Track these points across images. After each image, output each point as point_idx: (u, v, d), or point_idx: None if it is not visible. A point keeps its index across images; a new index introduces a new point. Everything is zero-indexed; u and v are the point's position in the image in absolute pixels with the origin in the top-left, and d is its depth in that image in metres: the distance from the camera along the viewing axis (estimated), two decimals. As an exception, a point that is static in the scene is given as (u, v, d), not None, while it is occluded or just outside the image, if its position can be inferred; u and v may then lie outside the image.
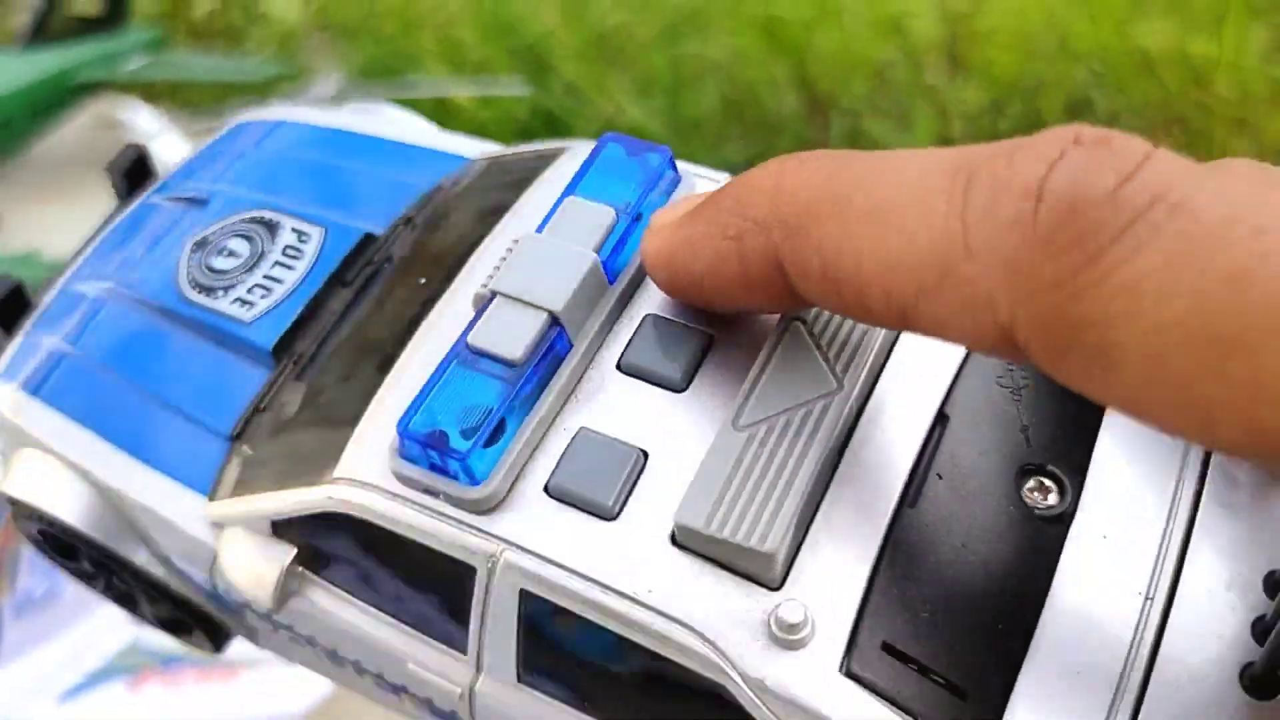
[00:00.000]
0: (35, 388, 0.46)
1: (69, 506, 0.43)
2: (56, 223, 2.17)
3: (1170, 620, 0.34)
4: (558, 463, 0.38)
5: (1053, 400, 0.39)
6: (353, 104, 1.82)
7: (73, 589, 1.16)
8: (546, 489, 0.37)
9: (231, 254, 0.48)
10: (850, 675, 0.32)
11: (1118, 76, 2.37)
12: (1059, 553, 0.36)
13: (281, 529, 0.40)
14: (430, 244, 0.47)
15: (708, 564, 0.34)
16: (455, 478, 0.35)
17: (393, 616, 0.40)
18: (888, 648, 0.33)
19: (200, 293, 0.48)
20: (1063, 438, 0.39)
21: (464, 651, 0.39)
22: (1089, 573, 0.36)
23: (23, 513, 0.46)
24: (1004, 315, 0.30)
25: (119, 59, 2.11)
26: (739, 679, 0.32)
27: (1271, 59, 2.37)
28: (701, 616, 0.33)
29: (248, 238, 0.49)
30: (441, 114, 2.27)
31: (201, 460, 0.43)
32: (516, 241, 0.41)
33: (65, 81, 2.05)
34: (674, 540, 0.35)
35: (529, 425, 0.38)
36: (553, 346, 0.39)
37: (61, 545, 0.48)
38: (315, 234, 0.48)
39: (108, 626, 1.19)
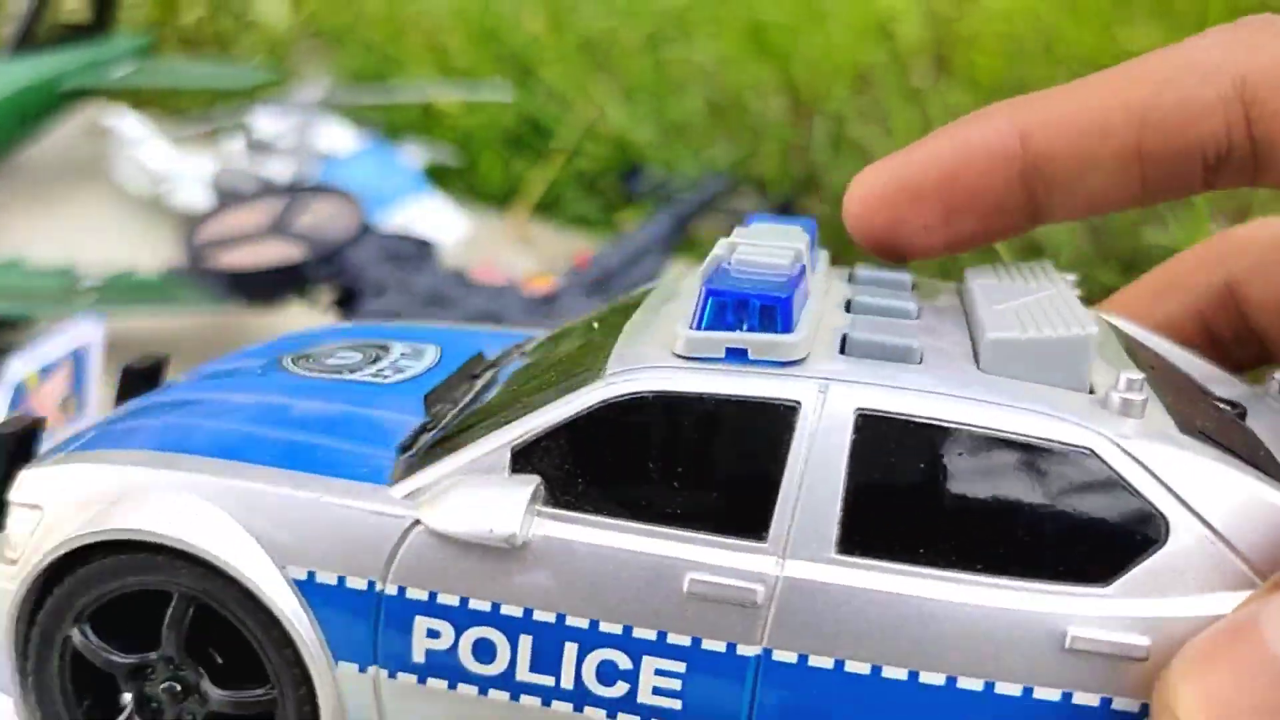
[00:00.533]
0: (178, 446, 0.44)
1: (214, 536, 0.39)
2: (43, 229, 2.19)
3: None
4: (843, 332, 0.40)
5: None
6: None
7: None
8: (841, 350, 0.39)
9: (342, 358, 0.49)
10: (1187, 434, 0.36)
11: (1102, 79, 2.38)
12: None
13: (521, 459, 0.38)
14: (562, 343, 0.48)
15: (1021, 382, 0.37)
16: (771, 328, 0.37)
17: (664, 523, 0.37)
18: (1202, 432, 0.37)
19: (307, 364, 0.48)
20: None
21: (763, 535, 0.37)
22: None
23: (125, 567, 0.40)
24: (1240, 70, 0.41)
25: (106, 66, 2.12)
26: (1110, 440, 0.35)
27: (1255, 61, 2.38)
28: (1050, 405, 0.36)
29: (358, 351, 0.50)
30: (427, 119, 2.28)
31: (372, 466, 0.42)
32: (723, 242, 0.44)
33: (52, 88, 2.06)
34: (980, 369, 0.38)
35: (802, 313, 0.40)
36: (802, 272, 0.41)
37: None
38: (430, 350, 0.50)
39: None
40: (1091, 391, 0.37)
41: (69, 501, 0.41)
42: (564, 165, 2.11)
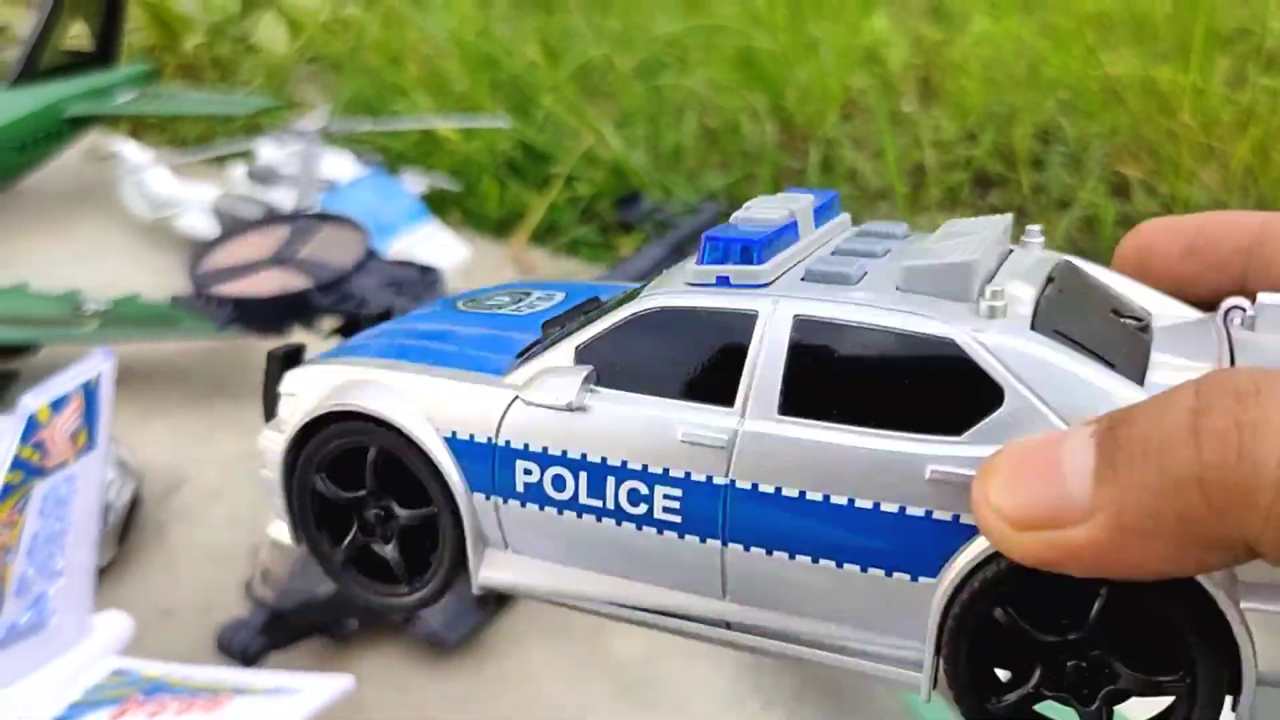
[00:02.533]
0: (379, 354, 0.64)
1: (397, 409, 0.59)
2: (46, 254, 2.21)
3: None
4: (808, 263, 0.55)
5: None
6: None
7: (57, 620, 1.19)
8: (803, 278, 0.54)
9: (497, 299, 0.69)
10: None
11: (1086, 104, 2.43)
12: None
13: (582, 355, 0.56)
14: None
15: (919, 294, 0.52)
16: (748, 261, 0.52)
17: (668, 395, 0.53)
18: (1057, 331, 0.50)
19: (472, 305, 0.67)
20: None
21: (730, 402, 0.52)
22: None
23: (340, 432, 0.60)
24: None
25: (110, 93, 2.15)
26: (967, 333, 0.49)
27: (1236, 86, 2.43)
28: (930, 310, 0.51)
29: (508, 294, 0.70)
30: (427, 145, 2.32)
31: (497, 366, 0.59)
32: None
33: (56, 116, 2.09)
34: (898, 288, 0.52)
35: (781, 253, 0.55)
36: (791, 225, 0.57)
37: (342, 474, 0.61)
38: (559, 294, 0.68)
39: (91, 657, 1.21)
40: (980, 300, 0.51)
41: (312, 390, 0.61)
42: (561, 191, 2.14)
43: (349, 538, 0.61)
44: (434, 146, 2.26)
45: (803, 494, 0.50)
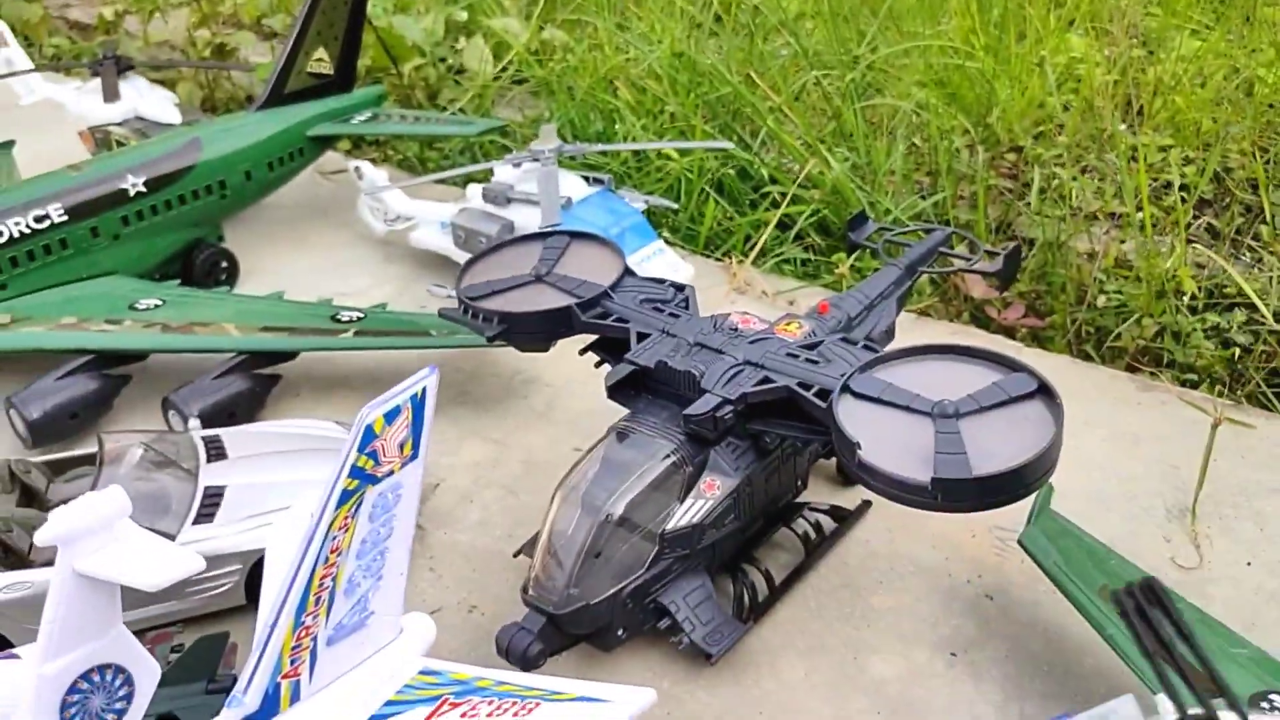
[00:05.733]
0: None
1: None
2: (290, 264, 2.35)
3: None
4: None
5: None
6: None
7: (375, 619, 1.26)
8: None
9: None
10: None
11: (1310, 124, 2.34)
12: None
13: None
14: None
15: None
16: None
17: None
18: None
19: None
20: None
21: None
22: None
23: None
24: None
25: (347, 115, 2.28)
26: None
27: None
28: None
29: None
30: (638, 164, 2.38)
31: None
32: None
33: (301, 135, 2.23)
34: None
35: None
36: None
37: None
38: None
39: (404, 657, 1.28)
40: None
41: None
42: (780, 212, 2.17)
43: None
44: (646, 164, 2.31)
45: None
